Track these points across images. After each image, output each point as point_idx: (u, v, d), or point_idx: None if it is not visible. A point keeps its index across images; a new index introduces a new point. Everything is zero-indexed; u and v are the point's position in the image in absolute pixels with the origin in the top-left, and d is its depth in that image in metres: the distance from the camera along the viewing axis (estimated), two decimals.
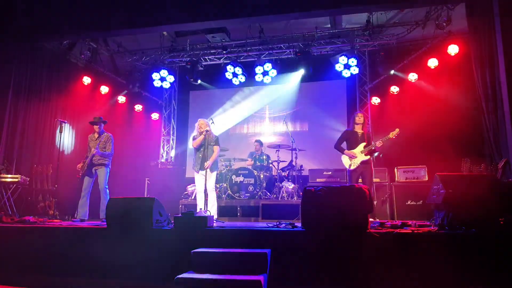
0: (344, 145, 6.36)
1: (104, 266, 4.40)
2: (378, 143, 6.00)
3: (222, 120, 10.05)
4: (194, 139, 6.42)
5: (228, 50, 8.99)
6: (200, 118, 6.47)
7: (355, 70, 8.38)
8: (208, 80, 9.83)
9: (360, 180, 6.17)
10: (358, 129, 6.28)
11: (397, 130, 5.98)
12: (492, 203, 3.92)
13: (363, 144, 6.14)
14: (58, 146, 6.67)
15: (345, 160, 6.25)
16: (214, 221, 5.26)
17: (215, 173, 6.45)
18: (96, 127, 6.66)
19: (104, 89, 9.21)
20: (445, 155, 7.19)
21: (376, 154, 7.23)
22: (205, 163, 6.07)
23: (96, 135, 6.67)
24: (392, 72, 8.46)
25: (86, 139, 6.85)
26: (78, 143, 8.26)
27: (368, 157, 6.10)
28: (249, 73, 9.02)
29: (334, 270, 3.90)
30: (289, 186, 7.81)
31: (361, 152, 6.12)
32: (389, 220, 6.48)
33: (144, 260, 4.33)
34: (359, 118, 6.30)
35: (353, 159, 6.14)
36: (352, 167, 6.15)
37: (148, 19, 6.45)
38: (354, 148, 6.18)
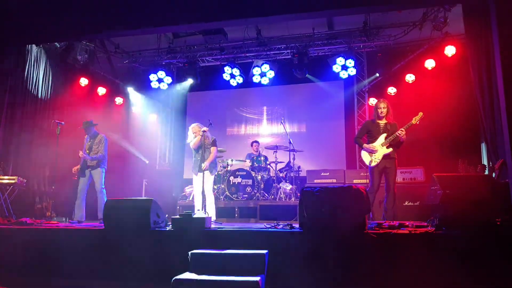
0: (364, 139, 5.72)
1: (102, 267, 4.40)
2: (401, 132, 5.31)
3: (220, 121, 10.04)
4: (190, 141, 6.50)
5: (226, 51, 9.00)
6: (194, 123, 6.55)
7: (352, 71, 8.40)
8: (205, 81, 9.80)
9: (382, 181, 5.50)
10: (381, 119, 5.58)
11: (420, 114, 5.32)
12: (489, 204, 3.94)
13: (384, 135, 5.47)
14: (55, 148, 6.64)
15: (365, 156, 5.57)
16: (212, 222, 5.27)
17: (214, 175, 6.49)
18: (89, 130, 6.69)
19: (102, 90, 9.19)
20: (442, 156, 7.22)
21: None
22: (202, 165, 6.12)
23: (89, 138, 6.71)
24: (389, 73, 8.48)
25: (83, 140, 6.85)
26: (76, 144, 8.23)
27: (391, 149, 5.40)
28: (247, 74, 9.02)
29: (331, 271, 3.90)
30: (287, 187, 7.81)
31: (382, 144, 5.43)
32: (387, 220, 6.48)
33: (142, 262, 4.32)
34: (380, 107, 5.53)
35: (374, 153, 5.45)
36: (373, 164, 5.44)
37: (145, 20, 6.44)
38: (374, 141, 5.52)
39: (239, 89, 9.90)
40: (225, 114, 10.25)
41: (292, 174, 8.21)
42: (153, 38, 9.00)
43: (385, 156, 5.43)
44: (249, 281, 3.47)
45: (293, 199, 7.62)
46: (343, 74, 8.51)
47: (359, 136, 5.78)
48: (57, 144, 6.67)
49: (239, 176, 7.92)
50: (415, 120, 5.35)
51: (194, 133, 6.45)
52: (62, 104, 8.02)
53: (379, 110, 5.58)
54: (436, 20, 7.06)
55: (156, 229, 4.55)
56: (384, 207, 5.57)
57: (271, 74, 8.85)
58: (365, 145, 5.57)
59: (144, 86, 9.70)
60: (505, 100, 4.83)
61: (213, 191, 6.77)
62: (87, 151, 6.56)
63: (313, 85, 9.76)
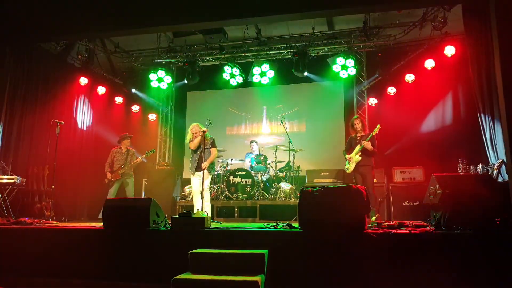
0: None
1: (101, 267, 4.39)
2: (365, 143, 6.24)
3: (220, 120, 10.02)
4: (190, 141, 6.48)
5: (226, 50, 8.99)
6: (193, 124, 6.55)
7: (352, 71, 8.39)
8: (205, 81, 9.78)
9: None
10: (358, 133, 6.55)
11: (378, 126, 6.31)
12: (488, 204, 3.94)
13: (359, 146, 6.37)
14: (55, 147, 6.64)
15: (346, 165, 6.58)
16: (211, 221, 5.26)
17: (211, 174, 6.49)
18: (128, 142, 7.53)
19: (101, 90, 9.18)
20: (442, 156, 7.22)
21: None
22: (202, 165, 6.11)
23: (124, 150, 7.51)
24: (389, 73, 8.47)
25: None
26: (75, 144, 8.23)
27: (360, 158, 6.31)
28: (247, 73, 9.02)
29: (331, 270, 3.90)
30: (287, 186, 7.81)
31: (355, 154, 6.38)
32: (386, 220, 6.49)
33: (141, 261, 4.32)
34: (355, 124, 6.58)
35: (350, 162, 6.47)
36: (348, 171, 6.50)
37: (145, 19, 6.44)
38: (352, 152, 6.48)
39: (239, 89, 9.88)
40: (225, 113, 10.24)
41: (291, 174, 8.20)
42: (153, 37, 8.99)
43: (358, 164, 6.35)
44: (249, 281, 3.47)
45: (292, 198, 7.62)
46: (343, 74, 8.50)
47: (346, 149, 6.71)
48: (56, 143, 6.67)
49: (238, 176, 7.92)
50: (374, 132, 6.30)
51: (194, 134, 6.43)
52: (62, 104, 8.01)
53: (355, 126, 6.57)
54: (435, 20, 7.05)
55: (156, 228, 4.55)
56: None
57: (271, 73, 8.85)
58: (346, 155, 6.59)
59: (144, 86, 9.69)
60: (504, 99, 4.83)
61: (213, 191, 6.78)
62: (128, 162, 7.43)
63: (313, 84, 9.74)
